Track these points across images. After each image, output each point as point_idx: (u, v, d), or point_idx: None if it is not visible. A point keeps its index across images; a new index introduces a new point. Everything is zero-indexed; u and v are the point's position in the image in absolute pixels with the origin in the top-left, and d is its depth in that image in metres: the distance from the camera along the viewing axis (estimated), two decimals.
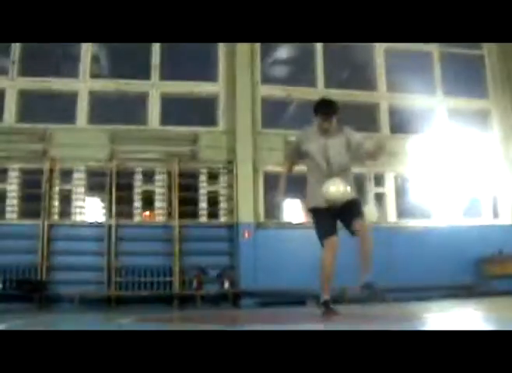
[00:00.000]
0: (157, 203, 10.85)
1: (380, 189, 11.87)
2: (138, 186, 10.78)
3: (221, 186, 11.12)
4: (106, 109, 10.80)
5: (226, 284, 10.50)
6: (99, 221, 10.65)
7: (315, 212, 5.22)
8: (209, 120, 11.41)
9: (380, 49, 12.40)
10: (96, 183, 10.59)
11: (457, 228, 11.84)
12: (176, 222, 10.63)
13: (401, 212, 12.03)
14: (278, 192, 5.48)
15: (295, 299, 10.45)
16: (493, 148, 12.41)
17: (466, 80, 12.78)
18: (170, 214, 10.71)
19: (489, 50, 13.01)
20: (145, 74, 11.25)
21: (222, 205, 11.04)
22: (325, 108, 5.15)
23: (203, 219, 10.98)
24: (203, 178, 11.11)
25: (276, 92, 11.80)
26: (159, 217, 10.87)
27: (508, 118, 12.59)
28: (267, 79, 11.72)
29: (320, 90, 12.03)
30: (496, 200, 12.50)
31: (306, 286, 10.31)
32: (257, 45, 11.66)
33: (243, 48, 11.45)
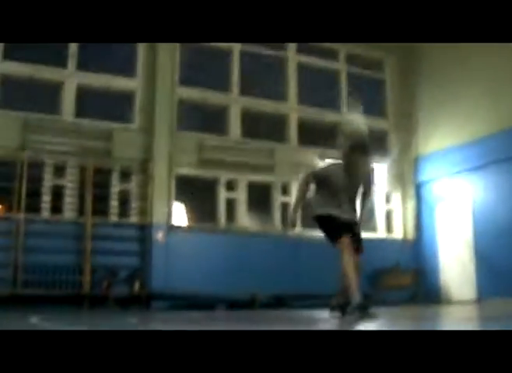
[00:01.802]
0: (67, 199, 10.64)
1: (286, 199, 12.44)
2: (49, 180, 10.52)
3: (134, 186, 11.13)
4: (19, 95, 10.42)
5: (136, 286, 10.53)
6: (6, 214, 10.25)
7: (326, 218, 5.64)
8: (126, 116, 11.45)
9: (293, 62, 13.08)
10: (3, 174, 10.18)
11: None
12: (87, 220, 10.51)
13: (306, 223, 12.69)
14: (292, 213, 5.96)
15: (206, 303, 10.72)
16: (389, 166, 13.46)
17: (368, 100, 13.79)
18: (81, 211, 10.55)
19: (390, 74, 14.16)
20: (61, 62, 10.97)
21: (135, 205, 11.07)
22: (367, 149, 5.63)
23: (114, 218, 10.92)
24: (116, 176, 11.04)
25: (193, 94, 12.04)
26: (69, 213, 10.63)
27: (404, 139, 13.71)
28: (185, 81, 11.91)
29: (234, 97, 12.45)
30: (389, 215, 13.58)
31: (216, 290, 10.68)
32: (178, 45, 11.81)
33: (164, 46, 11.57)
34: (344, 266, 5.48)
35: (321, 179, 5.71)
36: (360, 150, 5.56)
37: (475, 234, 12.35)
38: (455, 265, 12.76)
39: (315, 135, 13.48)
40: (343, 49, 14.00)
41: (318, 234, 12.39)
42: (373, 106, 14.31)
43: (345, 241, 5.48)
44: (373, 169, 5.97)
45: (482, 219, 12.18)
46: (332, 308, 5.98)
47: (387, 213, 13.95)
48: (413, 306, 11.14)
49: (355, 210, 5.84)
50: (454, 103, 13.01)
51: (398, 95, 14.50)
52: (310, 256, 12.27)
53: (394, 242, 13.68)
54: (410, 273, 12.98)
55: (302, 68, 13.51)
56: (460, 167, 12.74)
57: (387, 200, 14.01)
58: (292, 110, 13.27)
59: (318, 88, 13.76)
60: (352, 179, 5.69)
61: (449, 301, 12.60)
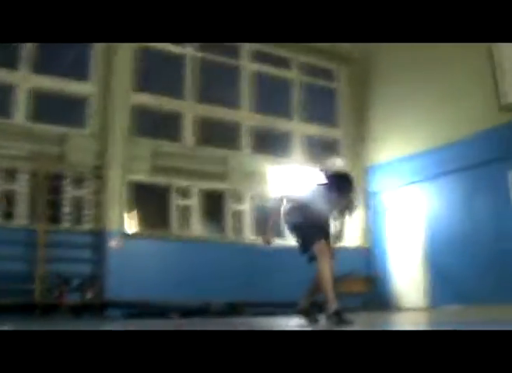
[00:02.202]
0: (19, 205, 10.41)
1: (238, 207, 12.50)
2: None
3: (88, 192, 10.98)
4: None
5: (90, 294, 10.37)
6: None
7: (301, 225, 5.91)
8: (80, 121, 11.31)
9: (246, 69, 13.22)
10: None
11: None
12: (40, 226, 10.30)
13: (258, 230, 12.80)
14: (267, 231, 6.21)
15: (161, 311, 10.67)
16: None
17: (320, 109, 14.04)
18: (33, 217, 10.34)
19: (342, 84, 14.48)
20: (13, 63, 10.77)
21: (89, 211, 10.92)
22: (351, 189, 5.90)
23: (67, 225, 10.75)
24: (69, 181, 10.89)
25: (148, 100, 12.01)
26: (21, 219, 10.41)
27: (354, 147, 13.98)
28: (140, 86, 11.87)
29: (189, 103, 12.46)
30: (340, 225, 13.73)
31: (170, 297, 10.64)
32: (134, 50, 11.76)
33: (120, 51, 11.53)
34: (320, 270, 5.62)
35: (298, 207, 5.88)
36: (347, 188, 5.83)
37: (427, 242, 12.76)
38: (407, 273, 13.10)
39: (268, 143, 13.65)
40: (296, 58, 14.27)
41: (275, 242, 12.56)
42: (325, 115, 14.61)
43: (321, 246, 5.63)
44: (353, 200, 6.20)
45: (434, 228, 12.58)
46: (301, 312, 6.23)
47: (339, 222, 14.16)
48: (367, 313, 11.37)
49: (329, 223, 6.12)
50: (406, 114, 13.42)
51: (350, 105, 14.86)
52: (263, 264, 12.39)
53: (347, 249, 13.88)
54: (363, 281, 13.25)
55: (255, 76, 13.69)
56: (412, 177, 13.16)
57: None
58: (246, 118, 13.41)
59: (271, 97, 13.95)
60: (334, 211, 6.01)
61: (401, 308, 12.89)
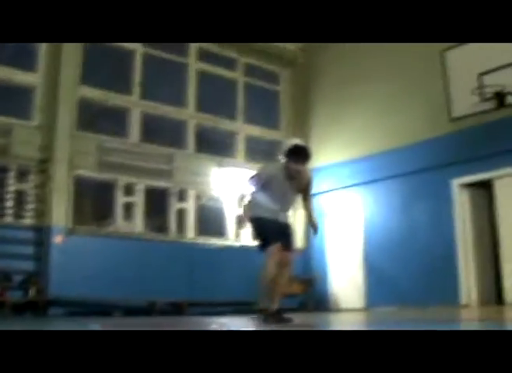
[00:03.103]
0: None
1: (182, 205, 12.59)
2: None
3: (32, 186, 10.80)
4: None
5: (33, 291, 10.23)
6: None
7: (261, 220, 5.93)
8: (25, 112, 11.07)
9: (193, 68, 13.35)
10: None
11: (249, 250, 13.11)
12: None
13: (201, 230, 12.94)
14: (243, 217, 6.13)
15: (103, 309, 10.66)
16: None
17: (264, 111, 14.32)
18: None
19: (285, 87, 14.79)
20: None
21: (32, 206, 10.74)
22: (307, 157, 5.98)
23: (10, 219, 10.55)
24: (12, 175, 10.68)
25: (96, 94, 11.93)
26: None
27: None
28: (88, 80, 11.77)
29: (136, 99, 12.46)
30: None
31: (114, 296, 10.64)
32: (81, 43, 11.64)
33: (69, 43, 11.34)
34: (264, 271, 5.80)
35: (267, 180, 5.93)
36: (303, 158, 5.96)
37: (365, 245, 13.25)
38: (345, 274, 13.57)
39: (212, 143, 13.82)
40: (242, 59, 14.48)
41: (213, 241, 12.77)
42: (268, 116, 14.91)
43: (273, 249, 5.79)
44: (312, 177, 6.32)
45: (372, 231, 13.08)
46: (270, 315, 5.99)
47: None
48: (304, 313, 11.70)
49: (287, 215, 6.23)
50: (347, 119, 13.89)
51: (293, 108, 15.22)
52: (206, 263, 12.56)
53: None
54: (301, 282, 13.60)
55: (202, 75, 13.79)
56: (352, 181, 13.62)
57: None
58: (191, 117, 13.50)
59: (217, 97, 14.10)
60: (294, 184, 6.05)
61: (338, 309, 13.35)
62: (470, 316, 7.64)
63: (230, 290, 12.55)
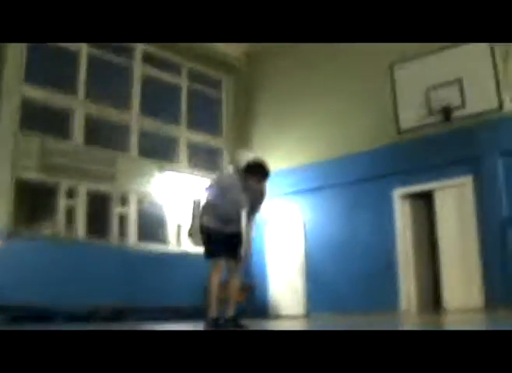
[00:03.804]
0: None
1: (123, 210, 12.53)
2: None
3: None
4: None
5: None
6: None
7: (208, 230, 6.05)
8: None
9: (138, 71, 13.32)
10: None
11: (190, 256, 13.20)
12: None
13: (143, 235, 12.91)
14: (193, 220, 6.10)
15: (42, 315, 10.48)
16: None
17: (206, 117, 14.45)
18: None
19: (227, 94, 14.97)
20: None
21: None
22: (267, 175, 6.23)
23: None
24: None
25: (39, 95, 11.74)
26: None
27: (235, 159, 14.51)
28: (31, 80, 11.55)
29: (80, 101, 12.33)
30: None
31: (54, 302, 10.47)
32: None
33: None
34: (209, 285, 6.08)
35: (222, 191, 6.07)
36: (264, 176, 6.19)
37: (306, 252, 13.51)
38: (285, 281, 13.80)
39: (155, 147, 13.79)
40: (186, 65, 14.54)
41: (155, 246, 12.73)
42: (211, 123, 15.03)
43: (218, 263, 6.06)
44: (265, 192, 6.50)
45: (313, 239, 13.39)
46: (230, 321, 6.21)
47: None
48: (244, 320, 11.83)
49: (239, 225, 6.33)
50: (291, 128, 14.17)
51: (235, 116, 15.40)
52: (148, 269, 12.51)
53: None
54: (241, 289, 13.71)
55: (146, 79, 13.75)
56: (294, 189, 13.83)
57: None
58: (135, 120, 13.42)
59: (161, 101, 14.10)
60: (250, 199, 6.25)
61: (278, 316, 13.55)
62: (410, 321, 7.99)
63: (173, 296, 12.57)
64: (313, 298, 13.27)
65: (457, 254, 11.18)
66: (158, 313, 12.30)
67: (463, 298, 10.93)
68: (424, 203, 12.20)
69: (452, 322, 7.20)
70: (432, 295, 12.01)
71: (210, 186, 6.17)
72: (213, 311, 6.03)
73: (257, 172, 6.09)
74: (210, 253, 6.04)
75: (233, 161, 6.51)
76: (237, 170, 6.27)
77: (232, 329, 5.85)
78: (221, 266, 6.07)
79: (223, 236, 6.06)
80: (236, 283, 6.40)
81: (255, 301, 13.94)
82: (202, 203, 6.14)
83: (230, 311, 6.20)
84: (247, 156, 6.47)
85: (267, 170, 6.17)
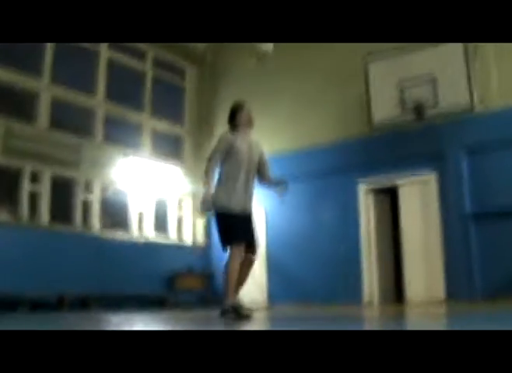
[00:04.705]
0: None
1: (87, 197, 12.47)
2: None
3: None
4: None
5: None
6: None
7: (230, 216, 5.76)
8: None
9: (104, 56, 13.25)
10: None
11: (152, 244, 13.26)
12: None
13: (107, 222, 12.88)
14: (205, 196, 5.75)
15: (8, 303, 10.38)
16: (183, 173, 14.28)
17: (169, 105, 14.49)
18: None
19: (190, 83, 15.07)
20: None
21: None
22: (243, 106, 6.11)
23: None
24: None
25: (4, 76, 11.60)
26: None
27: (200, 147, 14.59)
28: None
29: (45, 84, 12.18)
30: (181, 221, 14.36)
31: (20, 289, 10.38)
32: None
33: None
34: (229, 272, 5.65)
35: (229, 152, 5.82)
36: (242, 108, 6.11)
37: (267, 244, 13.72)
38: None
39: (120, 134, 13.73)
40: (151, 51, 14.48)
41: (119, 234, 12.68)
42: (174, 112, 15.06)
43: (238, 249, 5.69)
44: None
45: (276, 230, 13.60)
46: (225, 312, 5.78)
47: (178, 219, 14.69)
48: (202, 309, 12.00)
49: (251, 198, 6.04)
50: (256, 118, 14.25)
51: (198, 105, 15.43)
52: (113, 257, 12.50)
53: (185, 247, 14.51)
54: (201, 278, 13.91)
55: (112, 64, 13.65)
56: None
57: (179, 206, 14.76)
58: (100, 106, 13.32)
59: (125, 87, 14.03)
60: (253, 154, 6.04)
61: None
62: (370, 314, 8.26)
63: (136, 284, 12.61)
64: (275, 289, 13.51)
65: (421, 248, 11.63)
66: (122, 301, 12.32)
67: (425, 291, 11.39)
68: (389, 197, 12.60)
69: (408, 314, 7.46)
70: (395, 288, 12.45)
71: (216, 150, 5.86)
72: (232, 298, 5.65)
73: (235, 111, 6.06)
74: (232, 239, 5.69)
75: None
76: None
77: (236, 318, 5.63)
78: (242, 251, 5.73)
79: (244, 220, 5.82)
80: (248, 274, 5.95)
81: (215, 290, 14.09)
82: (215, 174, 5.86)
83: (229, 302, 5.63)
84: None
85: (239, 104, 6.12)
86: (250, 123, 6.14)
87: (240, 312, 5.58)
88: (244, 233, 5.83)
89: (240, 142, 5.93)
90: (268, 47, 6.82)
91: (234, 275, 5.69)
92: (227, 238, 5.76)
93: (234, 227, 5.74)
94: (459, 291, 10.92)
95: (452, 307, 9.57)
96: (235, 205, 5.78)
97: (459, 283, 10.99)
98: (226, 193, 5.78)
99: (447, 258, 11.26)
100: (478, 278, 10.87)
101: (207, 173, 5.80)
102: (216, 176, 5.93)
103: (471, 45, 10.71)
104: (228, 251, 5.75)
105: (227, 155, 5.86)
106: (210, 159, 5.86)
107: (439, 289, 11.23)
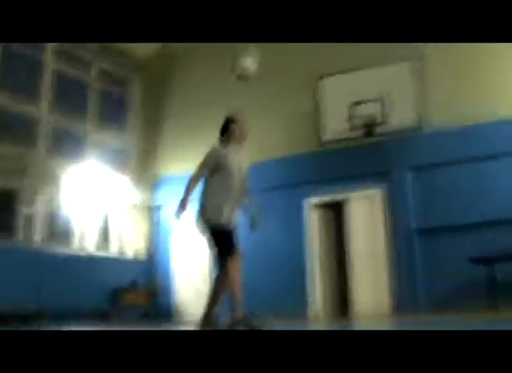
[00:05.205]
0: None
1: (31, 209, 12.24)
2: None
3: None
4: None
5: None
6: None
7: (220, 228, 5.83)
8: None
9: (49, 66, 13.04)
10: None
11: (95, 258, 13.11)
12: None
13: (49, 236, 12.67)
14: (183, 203, 5.83)
15: None
16: (125, 186, 14.19)
17: (114, 116, 14.43)
18: None
19: (135, 93, 15.22)
20: None
21: None
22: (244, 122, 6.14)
23: None
24: None
25: None
26: None
27: (144, 159, 14.54)
28: None
29: None
30: (121, 235, 14.26)
31: None
32: None
33: None
34: (231, 283, 5.75)
35: (218, 168, 5.81)
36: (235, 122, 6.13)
37: (210, 257, 13.70)
38: (191, 286, 13.96)
39: (64, 145, 13.53)
40: (96, 62, 14.37)
41: (62, 248, 12.45)
42: (119, 122, 14.98)
43: (234, 262, 5.74)
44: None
45: None
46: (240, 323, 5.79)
47: (121, 232, 14.55)
48: (148, 324, 11.93)
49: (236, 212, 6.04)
50: (202, 131, 14.30)
51: (144, 116, 15.36)
52: (56, 271, 12.24)
53: (128, 261, 14.36)
54: (145, 292, 13.78)
55: (57, 74, 13.45)
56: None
57: (122, 218, 14.62)
58: (45, 116, 13.10)
59: (71, 98, 13.85)
60: (240, 174, 6.03)
61: (182, 320, 13.67)
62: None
63: (81, 299, 12.38)
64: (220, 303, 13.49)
65: (367, 262, 11.94)
66: (64, 316, 12.06)
67: (372, 304, 11.69)
68: (335, 212, 12.88)
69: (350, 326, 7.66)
70: (341, 301, 12.70)
71: (203, 165, 5.88)
72: (241, 310, 5.69)
73: (228, 124, 6.08)
74: (230, 250, 5.76)
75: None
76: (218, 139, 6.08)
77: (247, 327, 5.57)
78: (238, 263, 5.75)
79: (232, 229, 5.90)
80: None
81: (159, 305, 14.00)
82: (203, 186, 5.89)
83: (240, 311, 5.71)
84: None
85: (236, 115, 6.14)
86: (242, 138, 6.13)
87: (251, 323, 5.57)
88: (236, 244, 5.90)
89: (231, 160, 5.92)
90: (250, 64, 6.70)
91: (238, 285, 5.76)
92: (225, 251, 5.80)
93: (229, 239, 5.85)
94: (405, 304, 11.27)
95: (397, 319, 9.88)
96: (225, 218, 5.84)
97: (404, 296, 11.35)
98: (217, 206, 5.83)
99: (393, 271, 11.61)
100: (423, 291, 11.26)
101: (188, 191, 5.83)
102: (203, 188, 5.95)
103: (419, 64, 11.18)
104: (224, 263, 5.77)
105: (216, 171, 5.86)
106: (194, 179, 5.90)
107: (384, 302, 11.55)
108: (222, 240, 5.83)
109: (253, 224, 6.37)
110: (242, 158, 6.16)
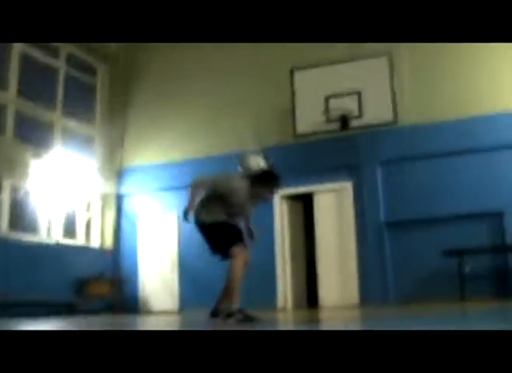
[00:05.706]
0: None
1: None
2: None
3: None
4: None
5: None
6: None
7: (223, 223, 6.09)
8: None
9: (16, 51, 12.82)
10: None
11: (60, 247, 12.99)
12: None
13: (15, 224, 12.51)
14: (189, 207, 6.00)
15: None
16: (93, 174, 14.08)
17: (80, 104, 14.32)
18: None
19: (102, 82, 14.93)
20: None
21: None
22: (279, 186, 6.17)
23: None
24: None
25: None
26: None
27: (110, 148, 14.47)
28: None
29: None
30: (89, 224, 14.13)
31: None
32: None
33: None
34: (234, 272, 5.81)
35: (226, 193, 5.95)
36: (276, 186, 6.15)
37: (180, 248, 13.73)
38: (157, 277, 13.96)
39: (31, 132, 13.34)
40: (64, 48, 14.19)
41: (28, 237, 12.30)
42: (86, 111, 14.83)
43: (238, 249, 5.83)
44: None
45: (188, 235, 13.58)
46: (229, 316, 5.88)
47: (87, 221, 14.42)
48: (114, 315, 11.88)
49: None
50: (169, 121, 14.35)
51: (110, 105, 15.23)
52: (22, 260, 12.06)
53: (93, 251, 14.24)
54: (110, 283, 13.69)
55: (25, 59, 13.24)
56: (167, 184, 14.04)
57: (88, 208, 14.50)
58: (12, 102, 12.89)
59: (38, 84, 13.65)
60: (250, 205, 6.23)
61: (149, 311, 13.65)
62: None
63: (45, 289, 12.21)
64: (187, 293, 13.53)
65: (335, 254, 12.14)
66: (27, 307, 11.89)
67: (340, 296, 11.91)
68: (304, 204, 13.03)
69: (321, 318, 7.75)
70: (309, 293, 12.86)
71: (209, 182, 6.06)
72: (238, 303, 5.81)
73: (273, 183, 6.05)
74: (234, 240, 5.92)
75: (242, 163, 6.43)
76: (246, 175, 6.17)
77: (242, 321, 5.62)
78: (243, 253, 5.86)
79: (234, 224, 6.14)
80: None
81: (124, 295, 13.91)
82: (204, 195, 6.08)
83: (236, 305, 5.82)
84: (257, 161, 6.51)
85: (277, 179, 6.09)
86: (265, 199, 6.23)
87: (247, 314, 5.67)
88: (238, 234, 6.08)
89: (245, 194, 5.98)
90: (259, 164, 6.92)
91: (240, 278, 5.85)
92: (229, 241, 5.93)
93: (231, 230, 6.05)
94: (373, 296, 11.51)
95: (364, 311, 10.06)
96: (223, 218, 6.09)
97: (373, 288, 11.59)
98: (213, 212, 6.09)
99: (361, 264, 11.84)
100: (391, 283, 11.52)
101: (193, 197, 5.99)
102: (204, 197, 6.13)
103: (395, 60, 11.40)
104: (231, 255, 5.86)
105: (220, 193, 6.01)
106: (197, 186, 6.03)
107: (353, 294, 11.77)
108: (225, 230, 6.05)
109: (250, 236, 6.54)
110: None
